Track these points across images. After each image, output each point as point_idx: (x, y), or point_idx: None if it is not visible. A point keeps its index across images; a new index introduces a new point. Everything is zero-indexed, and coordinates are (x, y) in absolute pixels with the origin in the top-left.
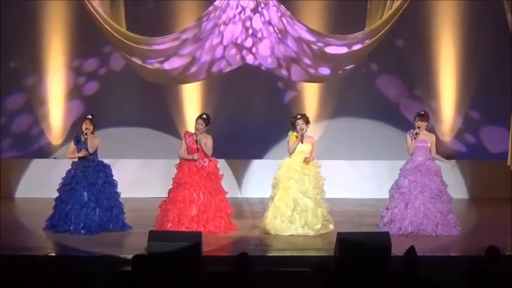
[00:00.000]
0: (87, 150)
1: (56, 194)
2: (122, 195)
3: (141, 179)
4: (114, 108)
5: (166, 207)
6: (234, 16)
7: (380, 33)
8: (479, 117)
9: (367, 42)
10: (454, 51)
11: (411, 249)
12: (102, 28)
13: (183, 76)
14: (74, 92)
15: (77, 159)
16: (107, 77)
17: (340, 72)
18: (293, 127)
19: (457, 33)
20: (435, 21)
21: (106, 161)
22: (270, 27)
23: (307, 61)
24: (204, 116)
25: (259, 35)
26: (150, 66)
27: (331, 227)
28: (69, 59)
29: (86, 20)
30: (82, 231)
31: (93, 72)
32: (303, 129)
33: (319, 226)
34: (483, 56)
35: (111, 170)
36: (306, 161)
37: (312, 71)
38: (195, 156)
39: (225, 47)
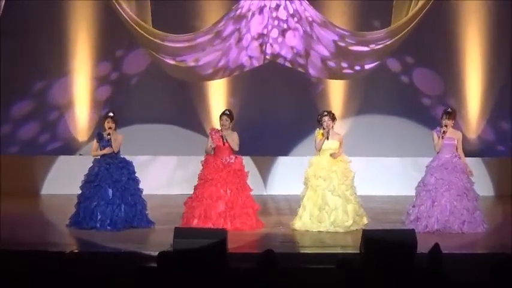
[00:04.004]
0: (112, 148)
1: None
2: (152, 192)
3: (166, 176)
4: (139, 107)
5: (192, 204)
6: (260, 8)
7: (405, 31)
8: (505, 119)
9: (391, 40)
10: (480, 48)
11: (436, 247)
12: (129, 26)
13: (211, 73)
14: (101, 89)
15: (99, 156)
16: (132, 75)
17: (359, 69)
18: (319, 124)
19: (484, 32)
20: (461, 20)
21: (129, 157)
22: (295, 19)
23: (329, 56)
24: (227, 111)
25: (285, 26)
26: (173, 63)
27: (365, 220)
28: (96, 56)
29: (112, 19)
30: (108, 228)
31: (119, 70)
32: (329, 125)
33: (350, 222)
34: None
35: (133, 166)
36: (333, 156)
37: (333, 66)
38: (212, 144)
39: (250, 40)
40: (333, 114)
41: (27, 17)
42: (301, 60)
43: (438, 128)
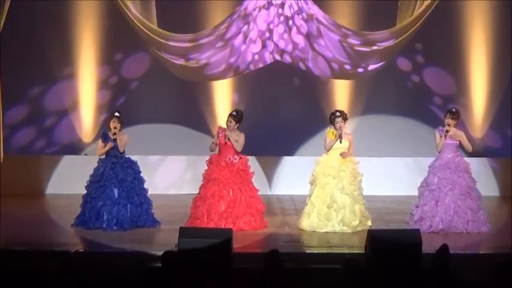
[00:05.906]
0: (118, 149)
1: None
2: (162, 192)
3: (175, 176)
4: (144, 107)
5: (197, 204)
6: (265, 6)
7: (410, 31)
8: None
9: (396, 40)
10: (485, 48)
11: (444, 247)
12: (134, 26)
13: (218, 72)
14: (106, 89)
15: (104, 156)
16: (136, 77)
17: (363, 69)
18: (331, 124)
19: (490, 32)
20: (466, 20)
21: (138, 158)
22: (300, 17)
23: (333, 56)
24: (234, 112)
25: (290, 23)
26: (180, 63)
27: (369, 223)
28: (102, 57)
29: (117, 20)
30: (115, 228)
31: (124, 71)
32: (341, 127)
33: (356, 222)
34: None
35: (138, 166)
36: (343, 156)
37: (338, 66)
38: (215, 140)
39: (255, 39)
40: (345, 115)
41: (30, 17)
42: (306, 60)
43: (441, 128)
